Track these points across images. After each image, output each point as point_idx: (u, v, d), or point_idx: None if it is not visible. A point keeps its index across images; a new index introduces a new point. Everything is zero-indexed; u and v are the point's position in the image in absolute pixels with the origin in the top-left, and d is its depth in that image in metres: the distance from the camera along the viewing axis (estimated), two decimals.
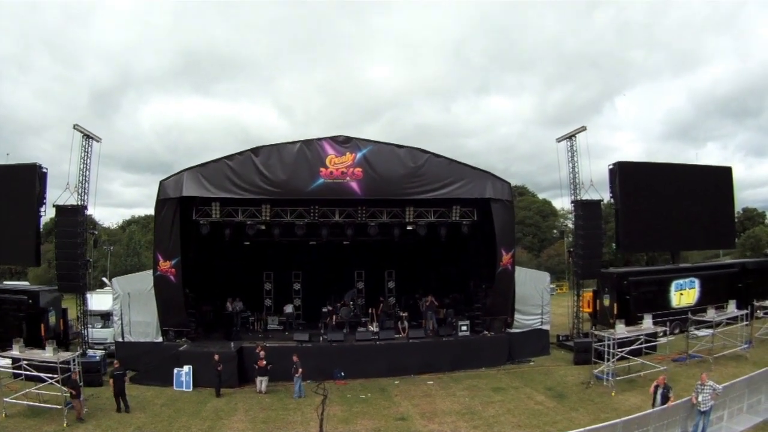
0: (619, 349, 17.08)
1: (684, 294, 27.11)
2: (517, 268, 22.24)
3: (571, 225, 31.02)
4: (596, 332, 18.82)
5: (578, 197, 22.75)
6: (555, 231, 72.84)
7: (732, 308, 21.13)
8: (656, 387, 12.74)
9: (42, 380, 13.70)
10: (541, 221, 72.01)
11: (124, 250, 52.99)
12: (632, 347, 17.54)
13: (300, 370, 17.03)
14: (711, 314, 20.04)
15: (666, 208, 26.99)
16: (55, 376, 13.41)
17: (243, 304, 23.99)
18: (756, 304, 23.36)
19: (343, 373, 18.85)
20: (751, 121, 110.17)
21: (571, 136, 22.91)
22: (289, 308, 24.41)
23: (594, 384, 17.38)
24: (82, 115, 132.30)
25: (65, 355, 14.10)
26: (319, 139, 18.43)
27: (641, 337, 18.04)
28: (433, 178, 18.91)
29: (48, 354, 13.72)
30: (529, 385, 17.99)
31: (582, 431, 9.95)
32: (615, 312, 25.16)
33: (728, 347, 20.17)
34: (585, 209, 22.75)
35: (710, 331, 19.86)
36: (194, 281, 21.22)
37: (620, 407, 14.76)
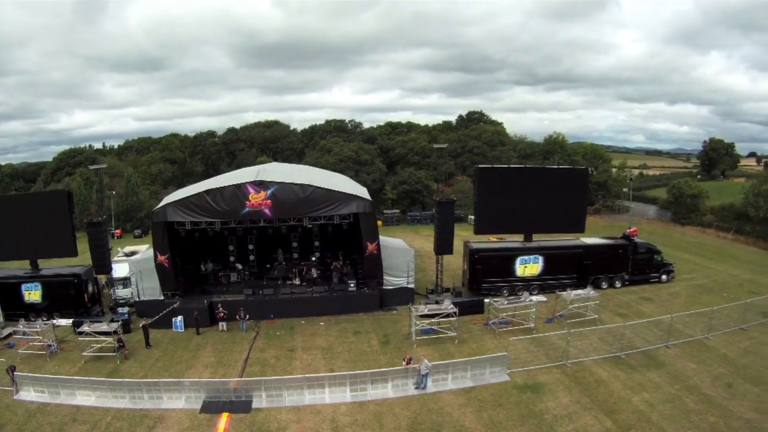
0: (426, 317, 26.66)
1: (528, 267, 34.19)
2: (389, 246, 33.37)
3: None
4: (411, 305, 28.56)
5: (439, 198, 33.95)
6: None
7: (525, 295, 30.04)
8: (405, 357, 22.50)
9: (100, 339, 26.23)
10: (488, 150, 76.80)
11: (124, 190, 64.41)
12: (437, 318, 26.66)
13: (243, 314, 29.49)
14: (502, 301, 28.66)
15: (521, 201, 32.93)
16: (109, 338, 26.06)
17: (214, 263, 36.61)
18: (560, 293, 30.22)
19: (272, 315, 31.24)
20: (758, 36, 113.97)
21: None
22: (239, 266, 36.90)
23: (409, 337, 27.08)
24: (67, 21, 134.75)
25: (114, 325, 26.57)
26: (244, 184, 29.37)
27: (444, 311, 26.80)
28: (317, 202, 29.88)
29: (105, 326, 26.34)
30: (377, 331, 28.59)
31: (331, 374, 22.60)
32: (467, 278, 34.76)
33: (534, 320, 28.24)
34: (441, 207, 33.37)
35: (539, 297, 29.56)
36: (181, 253, 33.47)
37: (414, 354, 23.31)
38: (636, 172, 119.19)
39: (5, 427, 19.56)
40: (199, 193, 29.70)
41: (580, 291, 30.38)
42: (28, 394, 21.90)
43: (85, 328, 26.22)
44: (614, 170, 75.88)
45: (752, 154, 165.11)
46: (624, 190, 63.88)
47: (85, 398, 21.46)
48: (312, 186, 30.03)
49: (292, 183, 30.01)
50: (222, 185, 29.86)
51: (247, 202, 29.40)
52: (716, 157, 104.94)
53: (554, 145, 71.01)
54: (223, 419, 20.04)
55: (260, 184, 29.42)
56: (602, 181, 71.08)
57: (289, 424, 19.68)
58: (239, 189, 29.45)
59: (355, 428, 19.32)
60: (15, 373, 22.34)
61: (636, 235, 50.88)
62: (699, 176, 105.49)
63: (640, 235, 50.91)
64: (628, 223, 55.30)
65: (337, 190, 30.72)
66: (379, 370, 22.61)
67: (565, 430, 18.77)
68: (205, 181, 39.23)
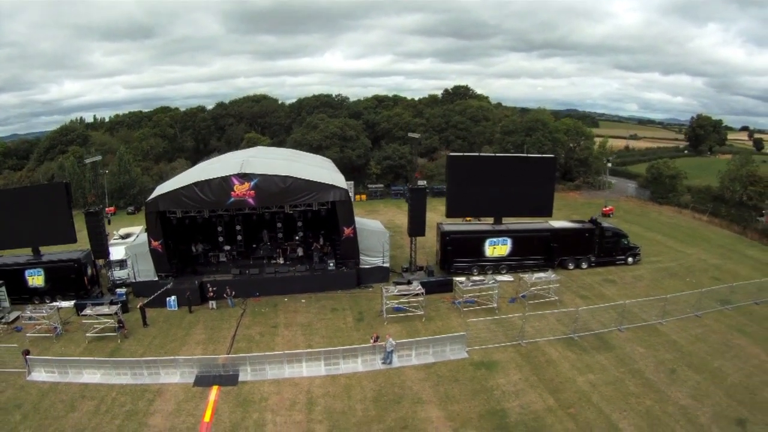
0: (397, 295, 29.29)
1: (496, 248, 36.25)
2: (365, 229, 35.66)
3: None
4: (383, 285, 30.96)
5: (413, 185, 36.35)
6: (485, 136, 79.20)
7: (489, 277, 32.52)
8: (372, 335, 25.47)
9: (102, 320, 29.01)
10: (471, 126, 79.41)
11: (117, 168, 66.26)
12: (406, 297, 29.29)
13: (229, 292, 32.41)
14: (466, 282, 30.88)
15: (491, 187, 34.98)
16: (110, 319, 28.77)
17: (204, 245, 39.07)
18: (522, 275, 32.24)
19: (258, 293, 33.86)
20: (755, 10, 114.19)
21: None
22: (227, 247, 39.37)
23: (381, 315, 29.53)
24: None
25: (114, 308, 29.22)
26: (230, 176, 31.67)
27: (412, 291, 29.40)
28: (297, 192, 32.29)
29: (105, 309, 29.05)
30: (353, 308, 30.95)
31: (308, 351, 25.64)
32: (438, 258, 37.47)
33: (497, 300, 30.35)
34: (413, 193, 35.95)
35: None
36: (173, 236, 35.88)
37: (382, 332, 25.87)
38: (622, 144, 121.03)
39: (22, 406, 22.13)
40: (188, 185, 31.98)
41: (541, 274, 32.20)
42: (40, 375, 24.51)
43: (87, 311, 28.91)
44: (596, 147, 77.49)
45: (745, 128, 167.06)
46: (609, 165, 65.43)
47: (91, 376, 24.24)
48: (292, 177, 32.33)
49: (273, 175, 32.32)
50: (209, 177, 32.13)
51: (232, 193, 31.80)
52: (703, 134, 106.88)
53: (537, 122, 72.64)
54: (214, 391, 22.90)
55: (244, 176, 31.73)
56: (583, 157, 73.09)
57: (270, 395, 22.56)
58: (225, 181, 31.77)
59: (327, 399, 22.19)
60: (28, 357, 24.86)
61: (612, 213, 53.84)
62: (686, 151, 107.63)
63: (617, 214, 53.97)
64: (605, 201, 57.89)
65: (315, 180, 33.01)
66: (350, 347, 25.43)
67: (511, 406, 20.81)
68: (194, 168, 41.38)
